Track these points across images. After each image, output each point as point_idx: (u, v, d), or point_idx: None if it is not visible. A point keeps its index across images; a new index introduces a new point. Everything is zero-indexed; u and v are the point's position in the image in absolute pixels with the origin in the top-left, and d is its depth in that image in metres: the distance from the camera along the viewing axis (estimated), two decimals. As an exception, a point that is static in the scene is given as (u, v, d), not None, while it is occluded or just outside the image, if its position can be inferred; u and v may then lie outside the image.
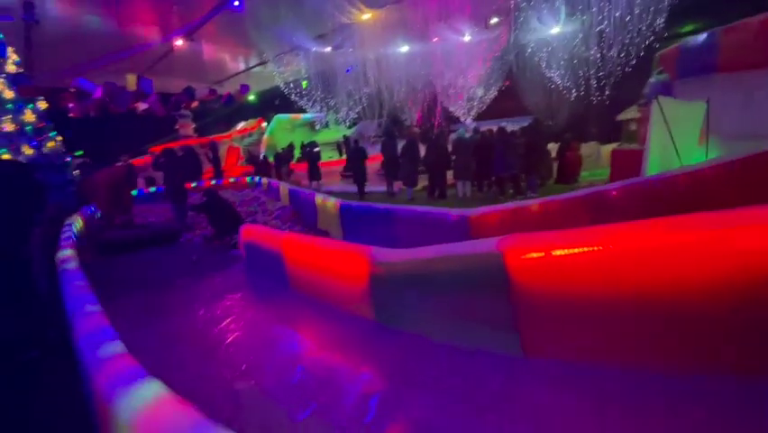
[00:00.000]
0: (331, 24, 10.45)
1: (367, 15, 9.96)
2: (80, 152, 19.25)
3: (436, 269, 2.31)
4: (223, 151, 20.14)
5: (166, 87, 18.46)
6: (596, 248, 1.75)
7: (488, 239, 2.10)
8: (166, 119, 20.65)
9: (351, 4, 9.41)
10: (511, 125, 11.04)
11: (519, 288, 1.92)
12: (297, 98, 15.38)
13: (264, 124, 26.05)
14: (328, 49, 12.61)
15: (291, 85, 15.64)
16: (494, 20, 9.40)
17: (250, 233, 4.29)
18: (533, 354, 1.98)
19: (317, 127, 27.45)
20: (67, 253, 3.49)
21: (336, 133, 25.81)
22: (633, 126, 14.98)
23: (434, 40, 10.63)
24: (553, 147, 11.28)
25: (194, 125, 23.71)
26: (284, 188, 9.05)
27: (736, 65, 5.30)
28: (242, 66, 24.00)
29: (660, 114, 4.38)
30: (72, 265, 3.16)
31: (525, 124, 11.89)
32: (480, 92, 11.51)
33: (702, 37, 5.85)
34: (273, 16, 11.75)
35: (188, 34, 14.55)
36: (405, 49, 11.81)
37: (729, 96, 5.22)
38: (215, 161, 14.44)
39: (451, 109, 12.50)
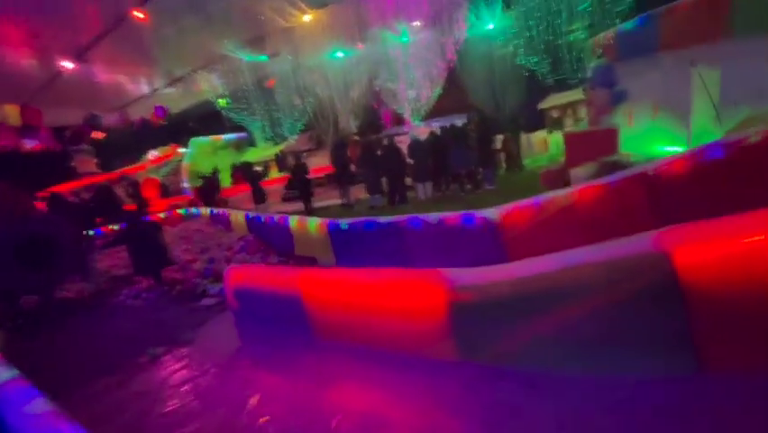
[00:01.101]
0: (268, 29, 9.51)
1: (308, 17, 9.26)
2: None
3: (561, 285, 1.87)
4: (136, 184, 17.68)
5: (57, 119, 15.59)
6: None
7: (633, 238, 1.73)
8: (58, 156, 17.49)
9: (291, 4, 8.63)
10: (457, 123, 11.18)
11: (695, 293, 1.56)
12: (234, 115, 13.89)
13: (181, 150, 23.61)
14: (263, 57, 11.59)
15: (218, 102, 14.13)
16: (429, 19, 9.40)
17: (242, 276, 3.45)
18: (713, 369, 1.63)
19: (242, 148, 25.67)
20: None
21: (264, 151, 24.34)
22: (555, 114, 16.28)
23: (374, 42, 10.33)
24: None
25: (95, 160, 20.58)
26: (237, 216, 7.96)
27: (677, 43, 5.78)
28: (144, 88, 21.45)
29: (701, 83, 4.37)
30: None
31: (464, 120, 12.17)
32: (426, 92, 11.48)
33: (640, 20, 6.32)
34: (189, 27, 10.44)
35: (78, 56, 12.40)
36: (344, 53, 11.30)
37: (676, 71, 5.66)
38: (138, 196, 12.48)
39: (398, 111, 12.31)
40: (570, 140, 8.26)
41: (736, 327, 1.57)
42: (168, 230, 10.09)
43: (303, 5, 8.69)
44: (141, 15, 9.91)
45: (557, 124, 15.34)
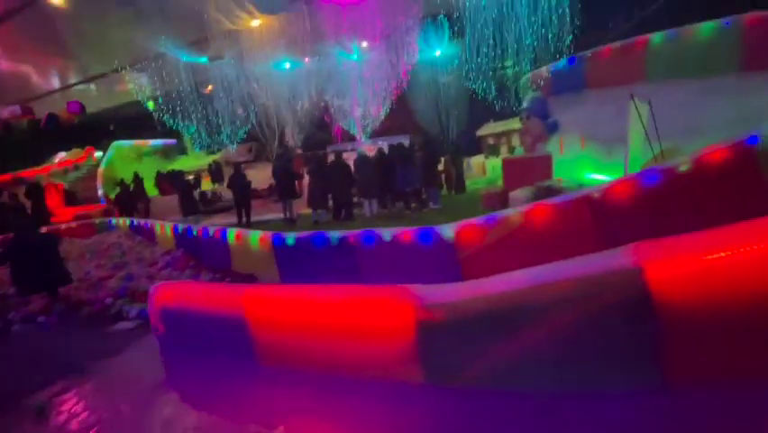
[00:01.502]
0: (212, 30, 8.86)
1: (257, 22, 8.81)
2: None
3: (535, 301, 1.81)
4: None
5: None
6: (749, 248, 1.54)
7: (609, 252, 1.74)
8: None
9: (240, 7, 8.14)
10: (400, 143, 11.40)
11: (665, 309, 1.58)
12: (167, 119, 12.66)
13: (97, 154, 21.09)
14: (203, 59, 10.77)
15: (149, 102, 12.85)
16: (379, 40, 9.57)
17: (171, 294, 2.97)
18: (676, 385, 1.66)
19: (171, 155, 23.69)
20: None
21: (196, 160, 22.70)
22: (490, 141, 17.47)
23: (324, 56, 10.20)
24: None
25: (-16, 159, 17.59)
26: (164, 227, 7.13)
27: (601, 82, 6.47)
28: (55, 82, 19.02)
29: (636, 114, 4.80)
30: None
31: (408, 140, 12.49)
32: (373, 111, 11.55)
33: (569, 61, 7.02)
34: (116, 19, 9.44)
35: (-28, 35, 10.60)
36: (291, 64, 10.98)
37: (601, 107, 6.32)
38: (38, 203, 10.72)
39: (345, 128, 12.21)
40: (508, 165, 8.80)
41: (704, 342, 1.61)
42: (77, 243, 8.78)
43: (252, 9, 8.30)
44: (58, 1, 8.76)
45: (493, 150, 16.46)
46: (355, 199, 9.86)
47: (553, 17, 7.60)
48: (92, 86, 18.79)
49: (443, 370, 2.07)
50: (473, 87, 9.92)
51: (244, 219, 9.99)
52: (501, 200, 8.28)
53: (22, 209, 10.75)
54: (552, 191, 7.16)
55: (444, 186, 11.59)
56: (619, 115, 6.02)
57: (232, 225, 8.52)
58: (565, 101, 7.31)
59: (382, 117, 12.05)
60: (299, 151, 14.58)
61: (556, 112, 7.68)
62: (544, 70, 7.95)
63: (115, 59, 13.74)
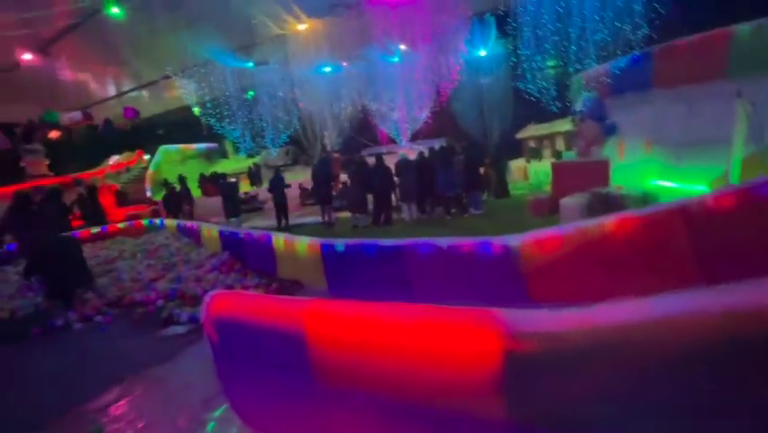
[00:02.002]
0: (259, 36, 9.03)
1: (303, 26, 8.89)
2: None
3: (658, 337, 1.52)
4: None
5: (6, 116, 14.10)
6: None
7: (748, 285, 1.42)
8: (5, 155, 15.83)
9: (287, 11, 8.24)
10: (442, 146, 11.12)
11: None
12: (214, 122, 13.14)
13: (146, 157, 22.30)
14: (250, 65, 11.04)
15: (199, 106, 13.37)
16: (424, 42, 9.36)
17: (227, 303, 2.88)
18: None
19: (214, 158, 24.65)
20: None
21: (236, 163, 23.46)
22: (532, 144, 16.76)
23: (365, 59, 10.14)
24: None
25: (47, 162, 18.92)
26: (210, 230, 7.25)
27: (670, 81, 5.92)
28: (111, 89, 20.23)
29: (744, 114, 4.30)
30: None
31: (445, 143, 12.16)
32: (416, 114, 11.37)
33: (632, 58, 6.49)
34: (166, 28, 9.82)
35: (42, 48, 11.38)
36: (332, 68, 11.01)
37: (671, 108, 5.77)
38: (94, 203, 11.33)
39: (386, 131, 12.11)
40: (558, 170, 8.32)
41: None
42: (129, 242, 9.15)
43: (300, 13, 8.35)
44: (117, 11, 9.21)
45: (535, 154, 15.77)
46: (395, 203, 9.69)
47: (610, 14, 7.07)
48: (144, 92, 19.81)
49: (531, 407, 1.81)
50: (522, 87, 9.49)
51: (284, 222, 10.06)
52: (550, 207, 7.82)
53: (94, 204, 11.37)
54: (610, 199, 6.65)
55: (485, 191, 11.19)
56: (691, 115, 5.47)
57: (272, 228, 8.61)
58: (626, 102, 6.77)
59: (422, 120, 11.82)
60: (337, 154, 14.63)
61: (615, 113, 7.13)
62: (601, 69, 7.42)
63: (166, 67, 14.41)
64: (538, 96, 9.71)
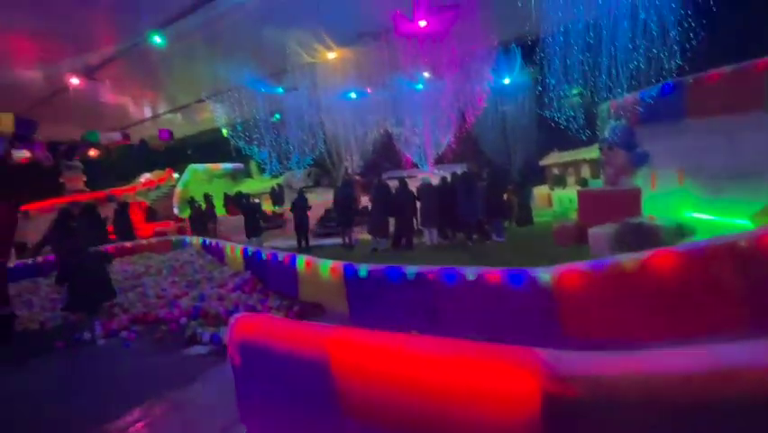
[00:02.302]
0: (291, 63, 9.44)
1: (333, 54, 9.27)
2: None
3: (716, 392, 1.40)
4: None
5: (51, 134, 15.06)
6: None
7: None
8: (47, 170, 16.80)
9: (318, 40, 8.62)
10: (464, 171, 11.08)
11: None
12: (242, 144, 13.69)
13: (175, 175, 23.23)
14: (280, 90, 11.49)
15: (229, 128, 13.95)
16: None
17: (251, 326, 2.86)
18: None
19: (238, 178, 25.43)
20: None
21: (260, 183, 24.08)
22: (555, 171, 16.52)
23: (389, 86, 10.39)
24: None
25: (84, 178, 19.93)
26: (235, 249, 7.35)
27: (706, 111, 5.77)
28: (147, 111, 21.35)
29: None
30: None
31: (466, 169, 12.13)
32: (438, 139, 11.48)
33: (663, 87, 6.38)
34: (203, 56, 10.38)
35: (89, 73, 12.18)
36: (356, 94, 11.33)
37: (707, 139, 5.58)
38: (125, 219, 11.76)
39: (409, 155, 12.24)
40: (585, 198, 8.11)
41: None
42: (155, 257, 9.37)
43: (330, 42, 8.72)
44: (159, 40, 9.81)
45: (559, 181, 15.50)
46: (416, 228, 9.62)
47: (639, 43, 7.03)
48: (177, 114, 20.80)
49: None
50: (548, 114, 9.45)
51: (303, 243, 10.11)
52: (576, 236, 7.58)
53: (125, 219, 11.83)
54: (643, 229, 6.39)
55: (507, 217, 10.99)
56: (730, 147, 5.27)
57: (292, 249, 8.67)
58: (658, 131, 6.61)
59: (445, 145, 11.90)
60: (358, 177, 14.80)
61: (645, 142, 6.97)
62: (630, 98, 7.32)
63: (200, 91, 15.15)
64: (565, 123, 9.64)
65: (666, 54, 6.22)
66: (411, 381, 2.00)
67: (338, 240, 10.14)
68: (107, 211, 13.18)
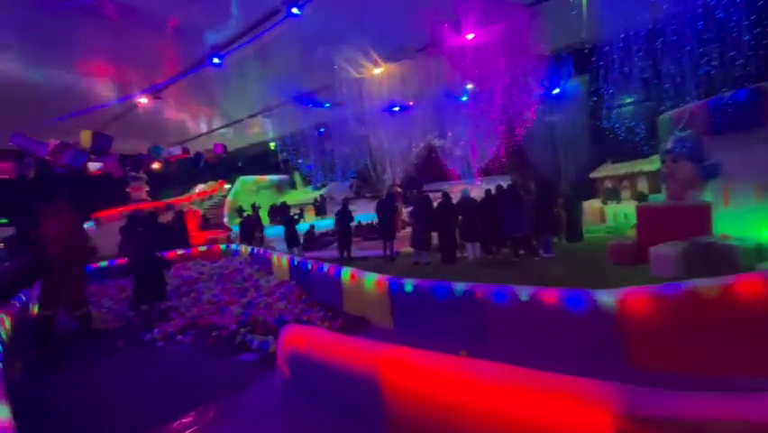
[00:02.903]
0: (338, 79, 9.81)
1: (379, 70, 9.50)
2: (4, 220, 16.29)
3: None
4: (178, 215, 18.30)
5: (120, 148, 16.63)
6: None
7: None
8: (117, 181, 18.50)
9: (366, 56, 8.89)
10: (510, 184, 10.75)
11: None
12: (291, 157, 14.38)
13: (227, 186, 24.66)
14: (327, 105, 11.94)
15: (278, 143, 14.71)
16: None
17: (301, 339, 2.89)
18: None
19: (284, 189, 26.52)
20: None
21: (303, 194, 24.87)
22: (608, 184, 15.58)
23: (434, 98, 10.41)
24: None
25: (147, 188, 21.65)
26: (281, 259, 7.57)
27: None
28: (203, 127, 22.93)
29: None
30: None
31: (509, 181, 11.74)
32: (485, 151, 11.29)
33: (741, 93, 5.83)
34: (256, 74, 11.01)
35: (156, 92, 13.31)
36: (399, 107, 11.48)
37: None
38: (182, 227, 12.57)
39: (450, 168, 12.14)
40: (645, 214, 7.53)
41: None
42: (208, 265, 9.89)
43: (377, 58, 8.93)
44: (217, 61, 10.53)
45: (612, 195, 14.58)
46: (458, 241, 9.40)
47: (705, 49, 6.51)
48: (230, 129, 22.15)
49: None
50: (602, 125, 8.98)
51: (345, 253, 10.21)
52: (635, 255, 7.04)
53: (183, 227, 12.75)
54: (715, 249, 5.81)
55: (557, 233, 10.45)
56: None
57: (334, 260, 8.79)
58: (731, 142, 6.03)
59: (490, 157, 11.65)
60: (399, 188, 14.81)
61: (716, 154, 6.38)
62: (696, 106, 6.75)
63: (251, 107, 16.07)
64: (623, 134, 9.08)
65: (740, 59, 5.70)
66: (467, 407, 1.91)
67: (380, 251, 10.12)
68: (166, 219, 14.18)
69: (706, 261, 5.66)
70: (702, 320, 2.68)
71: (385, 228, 9.96)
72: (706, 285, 2.68)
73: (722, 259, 5.51)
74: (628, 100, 10.90)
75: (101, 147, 11.84)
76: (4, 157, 12.45)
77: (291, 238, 11.33)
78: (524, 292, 3.37)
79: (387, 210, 9.92)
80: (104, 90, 13.47)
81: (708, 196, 6.69)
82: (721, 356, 2.69)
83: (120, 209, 17.78)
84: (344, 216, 10.44)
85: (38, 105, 13.02)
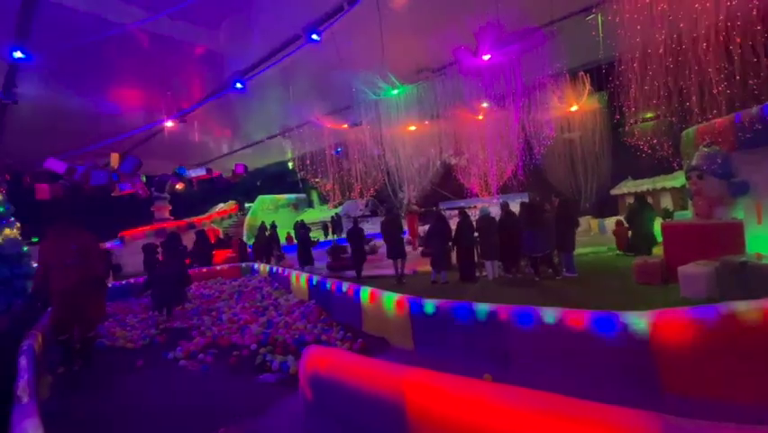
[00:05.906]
0: (356, 101, 10.08)
1: (396, 91, 9.75)
2: (36, 239, 17.02)
3: None
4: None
5: (146, 169, 17.32)
6: None
7: None
8: (142, 201, 19.17)
9: (383, 79, 9.14)
10: (530, 201, 10.62)
11: None
12: (309, 176, 14.66)
13: (246, 205, 25.20)
14: (345, 125, 12.25)
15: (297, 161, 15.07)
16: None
17: (324, 361, 2.87)
18: None
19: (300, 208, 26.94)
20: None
21: (320, 213, 25.14)
22: (630, 200, 15.21)
23: (450, 117, 10.54)
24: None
25: (170, 207, 22.31)
26: (299, 277, 7.61)
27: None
28: (225, 148, 23.69)
29: None
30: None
31: (525, 198, 11.59)
32: (502, 168, 11.27)
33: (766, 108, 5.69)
34: (276, 97, 11.41)
35: (182, 117, 13.89)
36: (415, 127, 11.65)
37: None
38: (203, 245, 12.84)
39: (467, 186, 12.13)
40: (672, 232, 7.29)
41: None
42: (227, 284, 10.00)
43: (395, 80, 9.17)
44: (240, 86, 10.94)
45: (632, 212, 14.22)
46: (476, 260, 9.24)
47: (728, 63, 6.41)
48: (249, 149, 22.82)
49: None
50: (625, 141, 8.86)
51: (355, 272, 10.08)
52: (662, 274, 6.79)
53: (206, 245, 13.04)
54: (749, 269, 5.55)
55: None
56: None
57: (349, 279, 8.73)
58: (761, 157, 5.86)
59: (507, 176, 11.60)
60: (416, 207, 14.81)
61: (746, 170, 6.19)
62: (723, 121, 6.60)
63: (271, 128, 16.58)
64: (649, 150, 8.93)
65: (755, 75, 5.59)
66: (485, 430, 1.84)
67: (392, 270, 9.97)
68: (188, 238, 14.50)
69: (739, 281, 5.41)
70: (741, 345, 2.55)
71: (394, 248, 9.76)
72: (745, 308, 2.56)
73: (756, 279, 5.26)
74: (649, 115, 10.77)
75: (130, 169, 12.35)
76: (39, 178, 13.12)
77: (304, 256, 11.30)
78: (549, 314, 3.28)
79: (391, 231, 9.75)
80: (134, 117, 14.18)
81: (739, 213, 6.45)
82: (762, 385, 2.54)
83: (144, 229, 18.34)
84: (356, 235, 10.38)
85: (72, 131, 13.78)
